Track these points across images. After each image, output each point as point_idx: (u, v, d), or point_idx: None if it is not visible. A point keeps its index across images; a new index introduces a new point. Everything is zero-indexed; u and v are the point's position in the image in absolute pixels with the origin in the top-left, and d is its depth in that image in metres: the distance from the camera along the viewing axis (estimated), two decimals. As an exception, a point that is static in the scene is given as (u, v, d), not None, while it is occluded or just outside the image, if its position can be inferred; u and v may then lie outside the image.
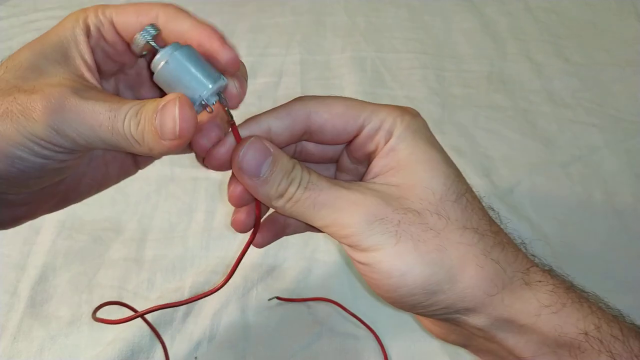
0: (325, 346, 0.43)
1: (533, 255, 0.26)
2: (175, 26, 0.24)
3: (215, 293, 0.44)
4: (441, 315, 0.24)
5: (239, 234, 0.51)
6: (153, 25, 0.24)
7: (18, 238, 0.50)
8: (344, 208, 0.23)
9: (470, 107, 0.65)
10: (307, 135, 0.26)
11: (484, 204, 0.25)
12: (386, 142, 0.25)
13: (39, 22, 0.75)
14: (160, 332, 0.43)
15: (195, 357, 0.42)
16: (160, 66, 0.23)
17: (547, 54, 0.72)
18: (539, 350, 0.23)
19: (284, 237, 0.49)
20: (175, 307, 0.45)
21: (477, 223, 0.23)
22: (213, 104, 0.24)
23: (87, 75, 0.25)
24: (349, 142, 0.26)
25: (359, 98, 0.72)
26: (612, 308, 0.25)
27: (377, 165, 0.25)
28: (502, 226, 0.25)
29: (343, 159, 0.28)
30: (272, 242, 0.30)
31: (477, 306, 0.23)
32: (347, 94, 0.66)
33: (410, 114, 0.25)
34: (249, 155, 0.23)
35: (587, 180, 0.56)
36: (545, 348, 0.23)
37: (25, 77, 0.23)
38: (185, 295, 0.45)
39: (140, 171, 0.32)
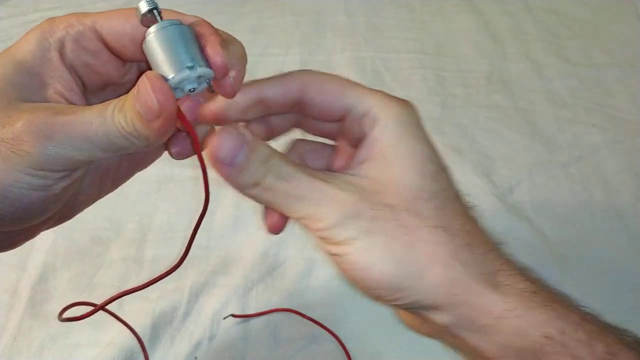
0: (325, 346, 0.43)
1: (508, 257, 0.25)
2: (175, 17, 0.23)
3: (216, 292, 0.45)
4: (406, 309, 0.24)
5: (240, 233, 0.51)
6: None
7: (18, 238, 0.50)
8: (319, 202, 0.23)
9: (470, 107, 0.65)
10: (300, 106, 0.25)
11: (463, 201, 0.25)
12: (371, 131, 0.25)
13: (39, 22, 0.75)
14: (161, 332, 0.43)
15: (195, 357, 0.42)
16: (150, 35, 0.22)
17: (547, 54, 0.72)
18: (502, 352, 0.23)
19: (284, 238, 0.50)
20: (175, 306, 0.45)
21: (449, 222, 0.24)
22: (191, 90, 0.23)
23: (64, 97, 0.23)
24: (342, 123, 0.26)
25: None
26: (583, 310, 0.24)
27: (359, 154, 0.25)
28: (479, 224, 0.25)
29: (340, 140, 0.28)
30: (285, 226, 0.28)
31: (439, 305, 0.23)
32: (347, 94, 0.66)
33: (400, 104, 0.25)
34: (224, 144, 0.22)
35: (587, 180, 0.56)
36: (509, 350, 0.23)
37: None
38: (186, 295, 0.45)
39: (140, 171, 0.32)
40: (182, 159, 0.26)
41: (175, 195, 0.54)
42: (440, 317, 0.24)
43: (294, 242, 0.50)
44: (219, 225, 0.51)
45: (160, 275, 0.27)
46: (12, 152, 0.21)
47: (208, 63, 0.23)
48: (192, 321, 0.44)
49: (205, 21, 0.23)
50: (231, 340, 0.43)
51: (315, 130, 0.28)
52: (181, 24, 0.23)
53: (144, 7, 0.23)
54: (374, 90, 0.25)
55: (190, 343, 0.43)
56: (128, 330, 0.43)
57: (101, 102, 0.27)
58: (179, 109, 0.22)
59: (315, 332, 0.44)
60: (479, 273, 0.23)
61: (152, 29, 0.23)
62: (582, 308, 0.24)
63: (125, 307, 0.45)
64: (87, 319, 0.45)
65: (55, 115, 0.21)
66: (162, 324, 0.44)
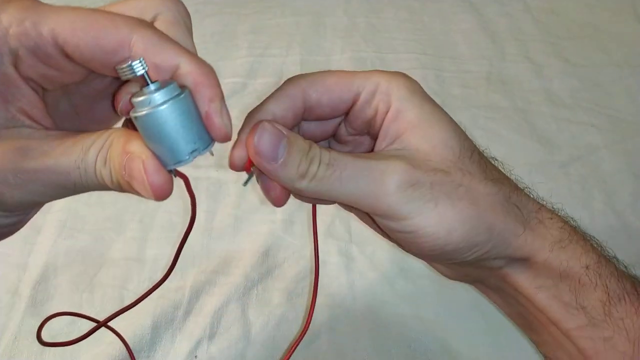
0: (324, 345, 0.43)
1: (539, 197, 0.27)
2: (161, 59, 0.20)
3: (217, 292, 0.45)
4: (472, 262, 0.25)
5: (240, 233, 0.51)
6: (142, 61, 0.19)
7: (19, 237, 0.49)
8: (374, 179, 0.23)
9: (470, 108, 0.65)
10: (307, 113, 0.25)
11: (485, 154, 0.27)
12: (387, 105, 0.25)
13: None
14: (162, 331, 0.44)
15: (196, 356, 0.42)
16: (142, 113, 0.19)
17: (546, 54, 0.72)
18: (543, 283, 0.25)
19: (284, 237, 0.50)
20: (176, 305, 0.45)
21: (492, 174, 0.25)
22: (191, 159, 0.21)
23: (28, 114, 0.20)
24: (346, 114, 0.26)
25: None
26: (608, 250, 0.27)
27: (387, 130, 0.25)
28: (507, 174, 0.27)
29: (340, 132, 0.28)
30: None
31: (507, 249, 0.24)
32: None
33: (402, 75, 0.26)
34: (264, 139, 0.22)
35: (585, 180, 0.56)
36: (549, 281, 0.25)
37: None
38: (186, 294, 0.46)
39: None
40: None
41: (176, 195, 0.54)
42: (498, 262, 0.25)
43: (294, 242, 0.50)
44: (219, 225, 0.51)
45: (151, 288, 0.27)
46: None
47: (209, 135, 0.20)
48: (193, 320, 0.44)
49: (203, 73, 0.20)
50: (231, 339, 0.43)
51: (317, 137, 0.28)
52: (178, 94, 0.19)
53: (127, 74, 0.19)
54: (371, 70, 0.26)
55: (191, 342, 0.43)
56: (129, 330, 0.43)
57: (66, 107, 0.24)
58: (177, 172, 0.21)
59: (315, 331, 0.44)
60: (527, 212, 0.25)
61: (143, 107, 0.19)
62: (606, 248, 0.27)
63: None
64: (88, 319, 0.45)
65: (25, 159, 0.19)
66: (163, 322, 0.44)
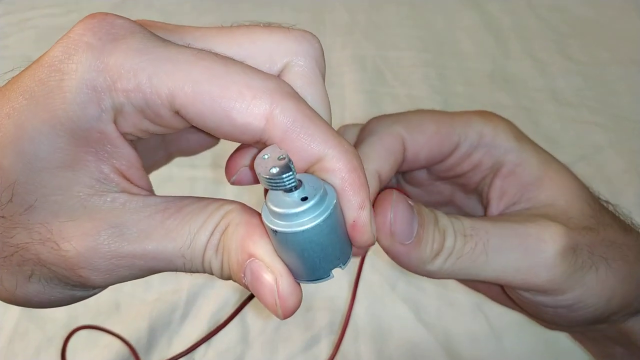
0: (325, 348, 0.43)
1: None
2: (304, 147, 0.16)
3: (214, 294, 0.45)
4: (606, 323, 0.22)
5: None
6: (290, 162, 0.15)
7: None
8: (528, 248, 0.19)
9: (473, 106, 0.63)
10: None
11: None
12: (493, 159, 0.22)
13: (35, 19, 0.74)
14: (158, 334, 0.43)
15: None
16: (286, 230, 0.16)
17: (550, 52, 0.71)
18: None
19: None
20: (174, 308, 0.44)
21: (619, 220, 0.22)
22: (332, 276, 0.19)
23: (123, 175, 0.18)
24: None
25: (360, 96, 0.71)
26: None
27: (505, 188, 0.22)
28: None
29: (417, 175, 0.24)
30: None
31: None
32: (347, 92, 0.65)
33: (501, 119, 0.23)
34: (400, 217, 0.18)
35: (591, 180, 0.54)
36: None
37: (24, 204, 0.16)
38: (183, 297, 0.45)
39: None
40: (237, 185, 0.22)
41: (175, 191, 0.53)
42: (629, 316, 0.22)
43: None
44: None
45: (206, 337, 0.25)
46: (58, 278, 0.17)
47: (351, 245, 0.18)
48: (190, 323, 0.44)
49: (353, 169, 0.16)
50: (229, 342, 0.43)
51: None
52: (326, 207, 0.16)
53: (271, 184, 0.16)
54: (467, 113, 0.22)
55: (188, 345, 0.42)
56: (125, 333, 0.42)
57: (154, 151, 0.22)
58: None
59: (315, 334, 0.43)
60: None
61: (284, 219, 0.16)
62: None
63: (123, 309, 0.44)
64: (82, 320, 0.44)
65: (121, 241, 0.17)
66: (159, 325, 0.43)
